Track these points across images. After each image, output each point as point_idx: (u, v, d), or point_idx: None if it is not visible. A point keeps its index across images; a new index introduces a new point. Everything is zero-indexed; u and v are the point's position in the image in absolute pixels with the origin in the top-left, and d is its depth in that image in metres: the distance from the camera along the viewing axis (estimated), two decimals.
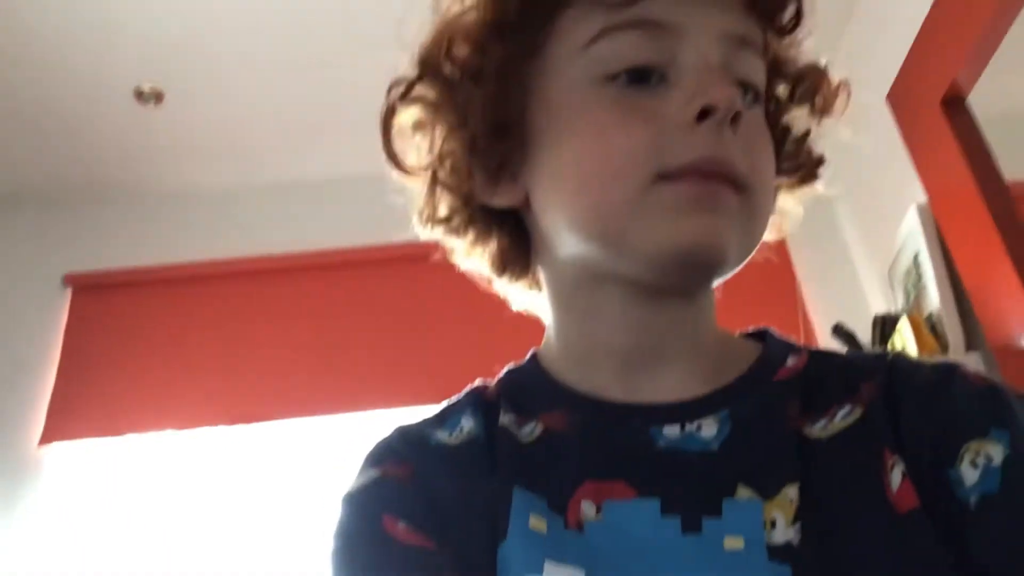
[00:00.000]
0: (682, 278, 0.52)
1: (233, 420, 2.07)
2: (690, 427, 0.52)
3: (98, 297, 2.24)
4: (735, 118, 0.49)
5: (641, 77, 0.51)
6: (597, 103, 0.51)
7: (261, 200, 2.37)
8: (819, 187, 0.62)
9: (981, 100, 1.50)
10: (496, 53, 0.54)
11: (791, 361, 0.55)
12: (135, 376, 2.11)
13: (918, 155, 1.63)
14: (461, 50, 0.55)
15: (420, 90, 0.57)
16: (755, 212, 0.51)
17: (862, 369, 0.54)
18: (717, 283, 0.56)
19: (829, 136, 0.62)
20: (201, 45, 1.96)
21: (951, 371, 0.52)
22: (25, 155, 2.21)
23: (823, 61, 0.60)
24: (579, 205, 0.52)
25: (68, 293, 2.24)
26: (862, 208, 2.10)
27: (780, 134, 0.59)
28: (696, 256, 0.49)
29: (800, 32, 0.57)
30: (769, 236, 0.62)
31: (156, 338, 2.18)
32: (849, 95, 0.60)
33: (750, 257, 0.54)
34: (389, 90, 0.58)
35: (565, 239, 0.54)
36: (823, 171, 0.62)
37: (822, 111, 0.60)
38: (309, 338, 2.17)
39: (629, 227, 0.49)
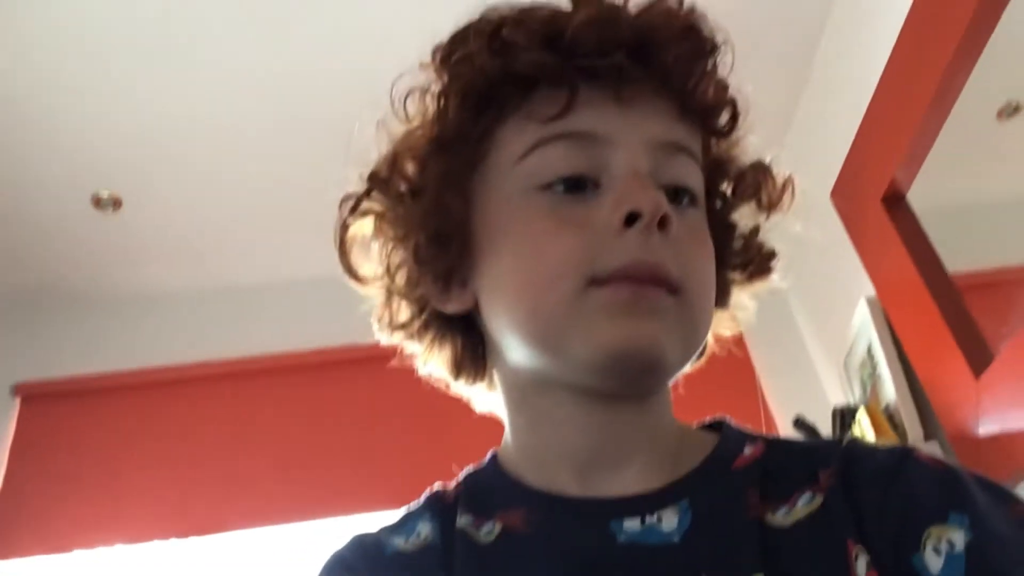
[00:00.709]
0: (622, 382, 0.52)
1: (187, 532, 2.00)
2: (650, 519, 0.51)
3: (48, 406, 2.17)
4: (662, 222, 0.50)
5: (576, 186, 0.52)
6: (532, 212, 0.53)
7: (215, 304, 2.34)
8: (773, 281, 0.63)
9: (920, 196, 1.57)
10: (437, 167, 0.56)
11: (748, 450, 0.56)
12: (84, 488, 2.03)
13: (864, 250, 1.68)
14: (407, 165, 0.57)
15: (368, 204, 0.59)
16: (692, 312, 0.52)
17: (818, 456, 0.54)
18: (671, 382, 0.56)
19: (779, 231, 0.64)
20: (159, 152, 1.98)
21: (906, 455, 0.52)
22: None
23: (767, 158, 0.62)
24: (518, 311, 0.53)
25: (16, 403, 2.17)
26: (814, 301, 2.15)
27: (727, 231, 0.61)
28: (630, 360, 0.50)
29: (739, 133, 0.60)
30: (726, 331, 0.63)
31: (107, 447, 2.11)
32: (794, 191, 0.62)
33: (696, 356, 0.55)
34: (340, 205, 0.60)
35: (511, 344, 0.55)
36: (775, 265, 0.63)
37: (768, 207, 0.61)
38: (264, 445, 2.12)
39: (565, 333, 0.50)
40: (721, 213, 0.61)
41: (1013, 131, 1.45)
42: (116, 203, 2.07)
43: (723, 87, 0.58)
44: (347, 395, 2.18)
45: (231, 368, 2.22)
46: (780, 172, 0.62)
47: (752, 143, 0.61)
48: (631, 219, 0.50)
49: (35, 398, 2.18)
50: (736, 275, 0.62)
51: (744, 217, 0.62)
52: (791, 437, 0.61)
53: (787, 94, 2.03)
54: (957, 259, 1.49)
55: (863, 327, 1.75)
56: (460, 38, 0.56)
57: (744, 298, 0.63)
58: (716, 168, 0.60)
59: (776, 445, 0.57)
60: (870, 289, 1.70)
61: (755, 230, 0.62)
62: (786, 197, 0.62)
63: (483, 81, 0.54)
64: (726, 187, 0.61)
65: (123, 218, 2.12)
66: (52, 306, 2.30)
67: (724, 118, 0.59)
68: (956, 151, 1.49)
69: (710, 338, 0.62)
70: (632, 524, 0.51)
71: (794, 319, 2.28)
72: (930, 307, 1.46)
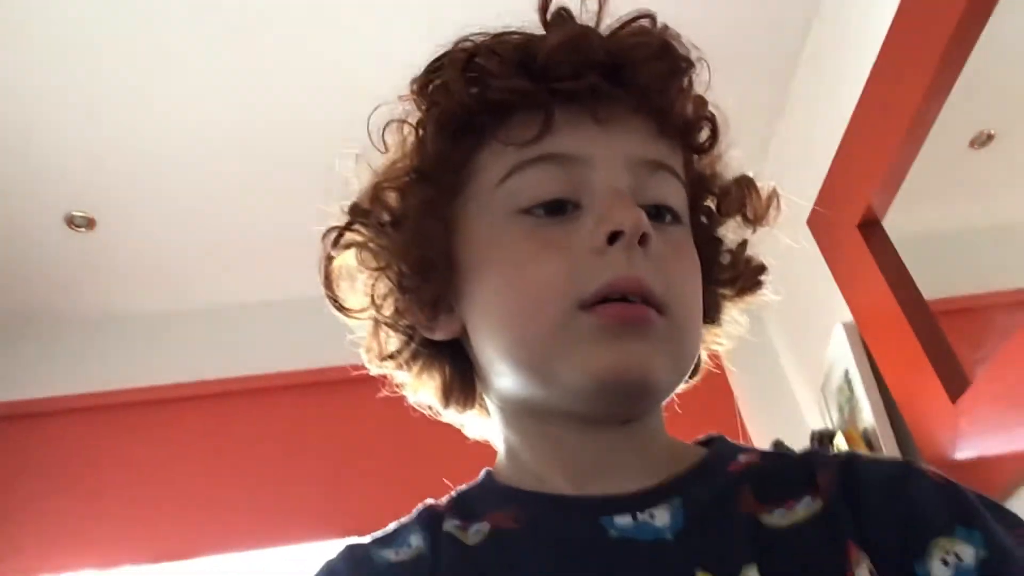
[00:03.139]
0: (614, 407, 0.52)
1: (157, 558, 1.96)
2: (642, 516, 0.51)
3: (16, 428, 2.12)
4: (643, 239, 0.50)
5: (557, 208, 0.52)
6: (513, 236, 0.52)
7: (189, 325, 2.31)
8: (764, 295, 0.63)
9: (896, 223, 1.59)
10: (417, 196, 0.56)
11: (743, 457, 0.56)
12: (53, 511, 1.99)
13: (840, 276, 1.70)
14: (388, 196, 0.57)
15: (351, 236, 0.58)
16: (679, 331, 0.51)
17: (816, 463, 0.54)
18: (665, 402, 0.56)
19: (765, 247, 0.64)
20: (134, 173, 1.96)
21: (909, 467, 0.52)
22: None
23: (751, 172, 0.62)
24: (505, 338, 0.52)
25: None
26: (792, 327, 2.16)
27: (714, 246, 0.61)
28: (621, 385, 0.49)
29: (720, 148, 0.60)
30: (719, 347, 0.63)
31: (76, 470, 2.06)
32: (779, 203, 0.62)
33: (688, 375, 0.55)
34: (323, 238, 0.59)
35: (500, 370, 0.54)
36: (765, 278, 0.63)
37: (754, 221, 0.61)
38: (240, 469, 2.09)
39: (554, 360, 0.50)
40: (707, 228, 0.61)
41: (986, 160, 1.47)
42: (90, 223, 2.05)
43: (701, 103, 0.58)
44: (325, 418, 2.15)
45: (206, 390, 2.18)
46: (764, 185, 0.62)
47: (735, 157, 0.61)
48: (613, 238, 0.49)
49: (2, 419, 2.14)
50: (726, 290, 0.62)
51: (731, 231, 0.62)
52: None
53: (764, 121, 2.05)
54: (933, 285, 1.51)
55: (840, 352, 1.76)
56: (435, 68, 0.57)
57: (735, 313, 0.63)
58: (699, 184, 0.60)
59: (771, 455, 0.57)
60: (847, 315, 1.71)
61: (743, 244, 0.62)
62: (772, 210, 0.62)
63: (459, 109, 0.55)
64: (711, 202, 0.61)
65: (97, 239, 2.09)
66: (22, 327, 2.26)
67: (704, 134, 0.59)
68: (931, 179, 1.51)
69: (704, 355, 0.62)
70: (624, 520, 0.51)
71: (772, 344, 2.29)
72: (907, 333, 1.47)
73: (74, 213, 2.02)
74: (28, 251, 2.11)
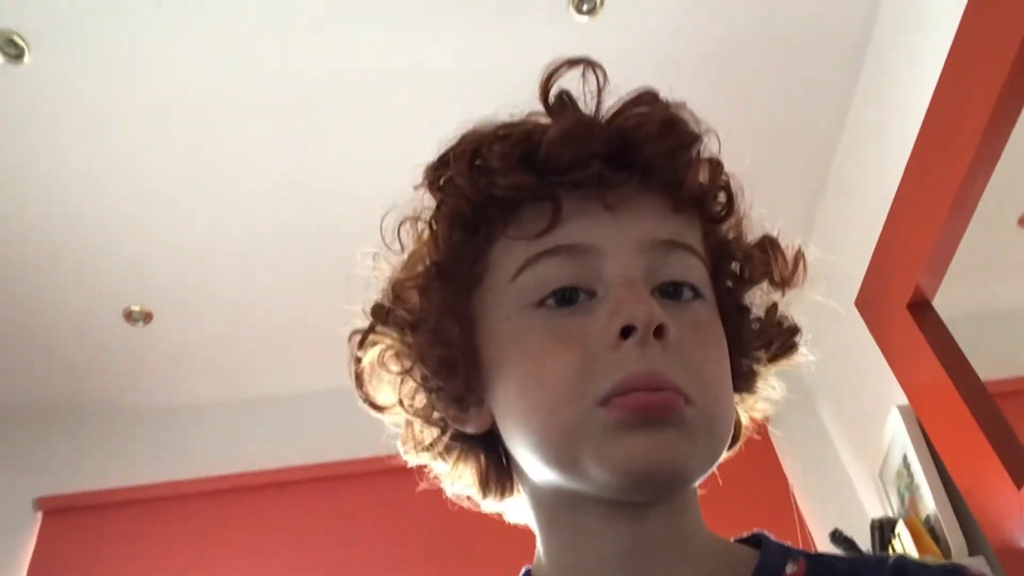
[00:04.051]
0: (645, 496, 0.50)
1: None
2: None
3: (70, 520, 2.15)
4: (658, 331, 0.48)
5: (569, 299, 0.51)
6: (529, 331, 0.51)
7: (240, 417, 2.35)
8: (801, 357, 0.60)
9: (946, 303, 1.56)
10: (434, 295, 0.55)
11: (791, 568, 0.53)
12: None
13: (892, 358, 1.66)
14: (408, 295, 0.57)
15: (375, 337, 0.58)
16: (707, 418, 0.49)
17: (865, 574, 0.52)
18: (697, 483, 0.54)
19: (806, 339, 0.62)
20: (191, 268, 2.04)
21: (957, 572, 0.51)
22: (4, 374, 2.21)
23: (775, 231, 0.60)
24: (529, 433, 0.51)
25: (38, 517, 2.16)
26: (844, 410, 2.11)
27: (741, 314, 0.59)
28: (650, 476, 0.48)
29: (738, 213, 0.58)
30: (757, 414, 0.61)
31: (128, 562, 2.08)
32: (806, 263, 0.60)
33: (720, 456, 0.53)
34: (349, 339, 0.59)
35: (529, 462, 0.53)
36: (800, 340, 0.60)
37: (782, 284, 0.59)
38: (291, 557, 2.08)
39: (579, 456, 0.48)
40: (733, 296, 0.59)
41: None
42: (147, 317, 2.12)
43: (715, 170, 0.57)
44: (374, 507, 2.15)
45: (255, 480, 2.20)
46: (789, 245, 0.60)
47: (755, 218, 0.59)
48: (626, 332, 0.48)
49: (57, 512, 2.17)
50: (760, 355, 0.59)
51: (760, 295, 0.60)
52: (831, 552, 0.58)
53: (806, 203, 2.06)
54: (987, 366, 1.47)
55: (897, 436, 1.71)
56: (442, 163, 0.57)
57: (772, 379, 0.60)
58: (721, 251, 0.58)
59: (819, 562, 0.54)
60: (901, 397, 1.67)
61: (773, 307, 0.60)
62: (799, 270, 0.59)
63: (467, 206, 0.54)
64: (735, 268, 0.59)
65: (154, 332, 2.15)
66: (77, 419, 2.32)
67: (719, 201, 0.57)
68: (979, 258, 1.49)
69: (745, 419, 0.60)
70: None
71: (825, 429, 2.23)
72: (965, 416, 1.43)
73: (132, 308, 2.09)
74: (87, 344, 2.17)
